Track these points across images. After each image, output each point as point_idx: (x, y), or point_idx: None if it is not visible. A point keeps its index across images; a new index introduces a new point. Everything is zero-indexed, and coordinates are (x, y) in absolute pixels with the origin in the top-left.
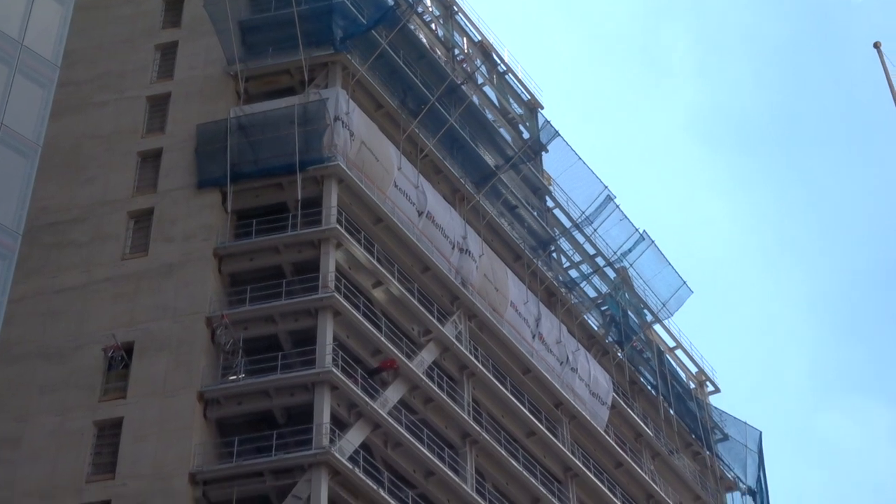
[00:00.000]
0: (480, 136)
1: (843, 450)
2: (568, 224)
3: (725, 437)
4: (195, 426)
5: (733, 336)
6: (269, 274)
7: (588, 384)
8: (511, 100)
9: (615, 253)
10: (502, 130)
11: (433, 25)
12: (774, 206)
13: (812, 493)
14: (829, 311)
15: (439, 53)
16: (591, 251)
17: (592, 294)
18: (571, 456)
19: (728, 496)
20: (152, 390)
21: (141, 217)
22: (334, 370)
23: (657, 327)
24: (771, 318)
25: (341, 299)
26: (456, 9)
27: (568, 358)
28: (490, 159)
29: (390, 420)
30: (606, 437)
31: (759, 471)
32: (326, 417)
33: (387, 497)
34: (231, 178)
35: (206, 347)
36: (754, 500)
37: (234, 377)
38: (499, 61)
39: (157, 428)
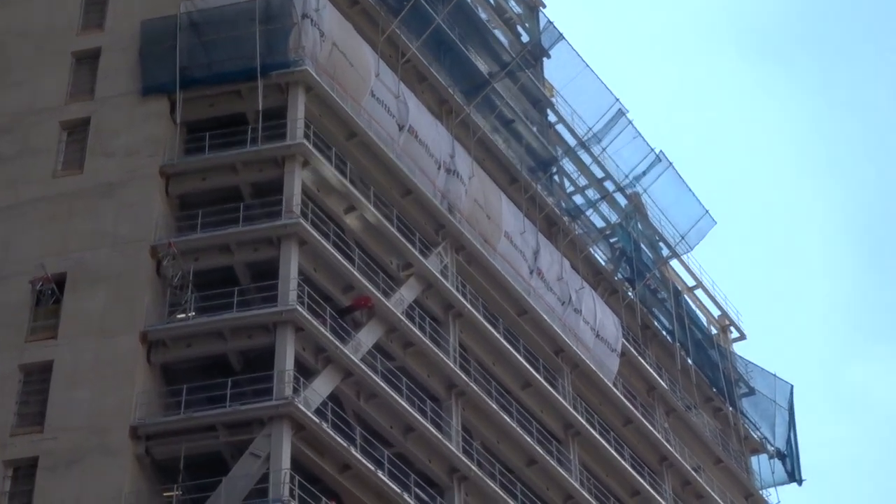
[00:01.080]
0: (472, 38)
1: (876, 402)
2: (572, 142)
3: (751, 392)
4: (137, 372)
5: (761, 275)
6: (225, 196)
7: (594, 328)
8: None
9: (627, 176)
10: (497, 32)
11: None
12: (808, 121)
13: (841, 449)
14: (867, 240)
15: None
16: (600, 174)
17: (600, 224)
18: (573, 411)
19: (753, 459)
20: (87, 330)
21: (76, 128)
22: (299, 308)
23: (674, 263)
24: (802, 252)
25: (308, 226)
26: None
27: (570, 298)
28: (483, 66)
29: (364, 367)
30: (614, 389)
31: (789, 431)
32: (290, 363)
33: (359, 456)
34: (181, 83)
35: (151, 281)
36: (783, 463)
37: (183, 316)
38: None
39: (93, 374)
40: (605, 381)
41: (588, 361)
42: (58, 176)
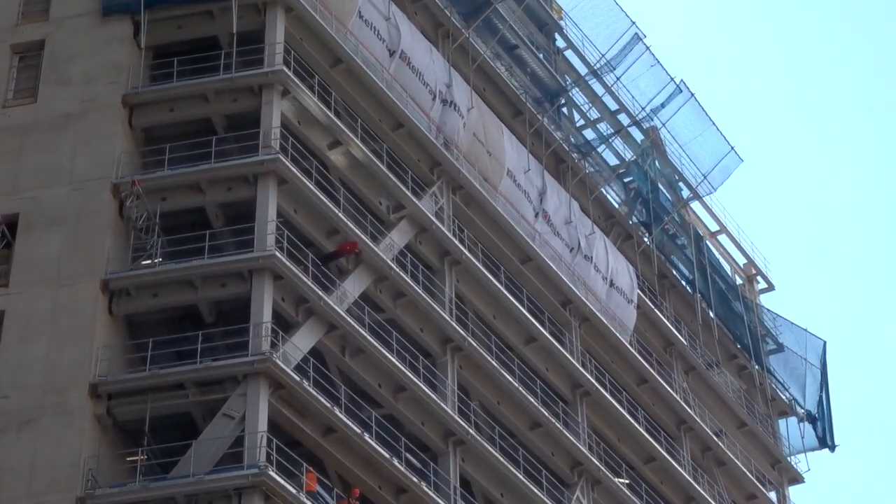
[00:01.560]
0: None
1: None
2: (583, 70)
3: (780, 348)
4: (98, 324)
5: (791, 220)
6: (195, 129)
7: (606, 277)
8: None
9: (643, 109)
10: None
11: None
12: (843, 54)
13: (877, 413)
14: None
15: None
16: (613, 106)
17: (613, 162)
18: (581, 369)
19: (781, 423)
20: (42, 277)
21: (28, 52)
22: (278, 254)
23: (695, 206)
24: (836, 197)
25: (288, 163)
26: None
27: (580, 244)
28: None
29: (349, 320)
30: (627, 346)
31: (820, 391)
32: (267, 315)
33: (343, 418)
34: (146, 2)
35: (113, 223)
36: (814, 427)
37: (149, 262)
38: None
39: (49, 326)
40: (618, 336)
41: (599, 314)
42: (8, 106)
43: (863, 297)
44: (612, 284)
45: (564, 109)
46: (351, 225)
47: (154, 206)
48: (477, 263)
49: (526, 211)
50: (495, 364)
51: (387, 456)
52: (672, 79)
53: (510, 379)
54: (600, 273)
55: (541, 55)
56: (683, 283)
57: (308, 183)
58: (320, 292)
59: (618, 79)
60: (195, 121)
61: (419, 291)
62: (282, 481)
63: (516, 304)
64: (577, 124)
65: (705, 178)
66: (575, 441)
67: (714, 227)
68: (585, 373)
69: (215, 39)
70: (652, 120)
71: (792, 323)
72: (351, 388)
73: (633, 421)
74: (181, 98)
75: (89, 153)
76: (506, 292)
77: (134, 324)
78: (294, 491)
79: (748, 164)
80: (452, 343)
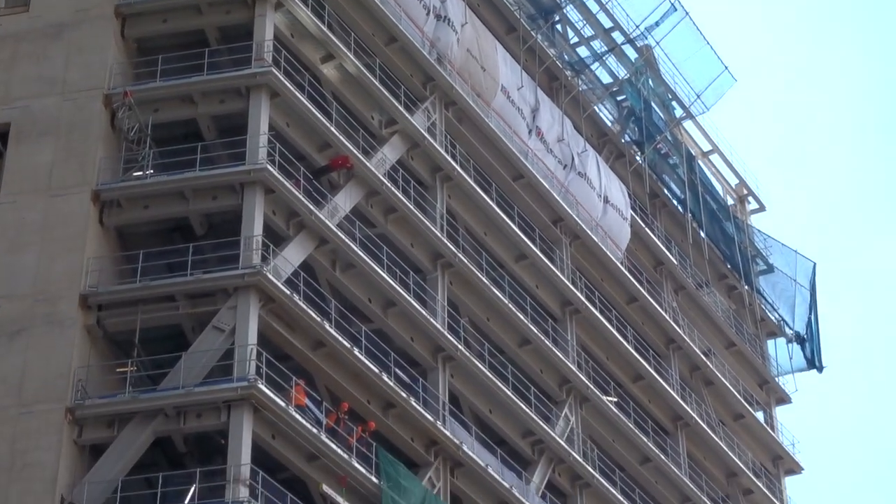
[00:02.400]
0: None
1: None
2: None
3: (770, 269)
4: (89, 235)
5: (783, 142)
6: (188, 41)
7: (601, 194)
8: None
9: (637, 27)
10: None
11: None
12: None
13: (865, 336)
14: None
15: None
16: (607, 23)
17: (606, 80)
18: (572, 287)
19: (770, 343)
20: (33, 187)
21: None
22: (270, 167)
23: (688, 125)
24: (830, 117)
25: (281, 76)
26: None
27: (573, 160)
28: None
29: (340, 234)
30: (618, 264)
31: (809, 313)
32: (258, 228)
33: (333, 332)
34: None
35: (105, 134)
36: (802, 348)
37: (140, 173)
38: None
39: (39, 236)
40: (609, 254)
41: (590, 232)
42: (0, 14)
43: (853, 218)
44: (606, 201)
45: (558, 26)
46: (343, 139)
47: (146, 118)
48: (469, 180)
49: (519, 127)
50: (485, 281)
51: (376, 371)
52: None
53: (500, 296)
54: (595, 190)
55: None
56: (675, 202)
57: (300, 96)
58: (311, 206)
59: None
60: (188, 32)
61: (410, 207)
62: (271, 394)
63: (507, 220)
64: (571, 42)
65: (698, 97)
66: (563, 358)
67: (706, 146)
68: (575, 290)
69: None
70: (646, 38)
71: (782, 244)
72: (341, 303)
73: (621, 339)
74: (174, 9)
75: (81, 63)
76: (497, 209)
77: (125, 235)
78: (283, 404)
79: (741, 84)
80: (443, 259)
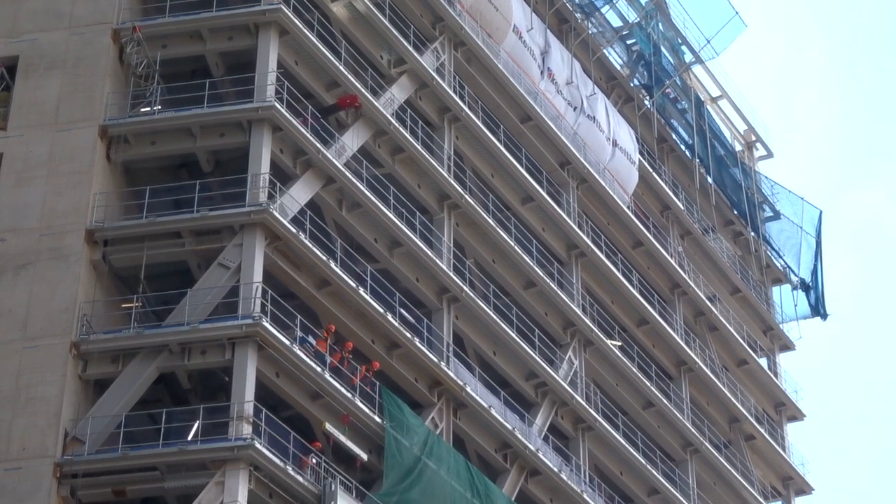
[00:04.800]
0: None
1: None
2: None
3: (776, 216)
4: (96, 170)
5: (792, 87)
6: None
7: (609, 137)
8: None
9: None
10: None
11: None
12: None
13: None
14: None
15: None
16: None
17: (616, 23)
18: (577, 230)
19: (775, 290)
20: (40, 121)
21: None
22: (277, 105)
23: (697, 70)
24: (840, 63)
25: (290, 13)
26: None
27: (582, 103)
28: None
29: (347, 173)
30: (624, 208)
31: (815, 260)
32: (265, 166)
33: (338, 271)
34: None
35: (112, 69)
36: (807, 296)
37: (148, 109)
38: None
39: (46, 170)
40: (615, 198)
41: (597, 176)
42: None
43: (859, 167)
44: (615, 144)
45: None
46: (351, 78)
47: (154, 54)
48: (476, 121)
49: (531, 68)
50: (491, 222)
51: (381, 311)
52: None
53: (506, 238)
54: (603, 133)
55: None
56: (682, 147)
57: (309, 34)
58: (319, 145)
59: None
60: None
61: (418, 147)
62: (276, 332)
63: (514, 162)
64: None
65: (708, 42)
66: (568, 302)
67: (715, 92)
68: (581, 234)
69: None
70: None
71: (789, 191)
72: (347, 243)
73: (627, 283)
74: None
75: None
76: (504, 151)
77: (131, 171)
78: (287, 342)
79: (752, 29)
80: (450, 200)
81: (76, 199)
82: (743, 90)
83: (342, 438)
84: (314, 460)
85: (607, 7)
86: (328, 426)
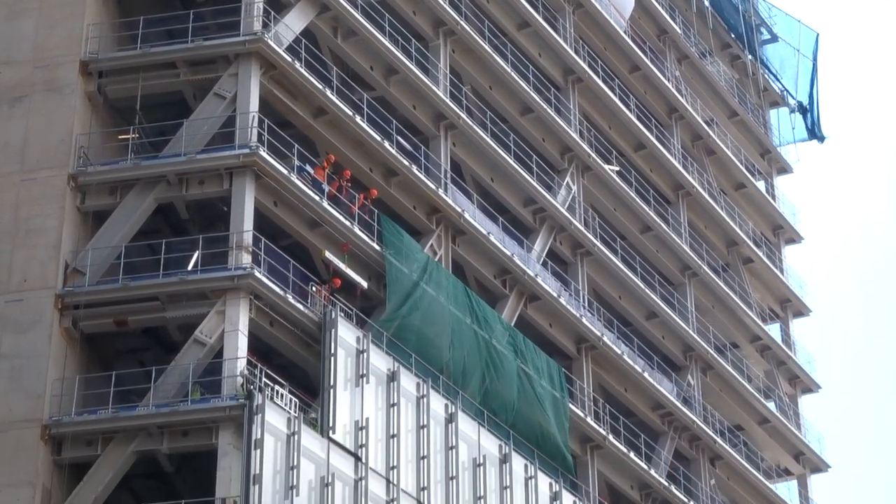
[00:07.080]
0: None
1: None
2: None
3: (774, 39)
4: (88, 1)
5: None
6: None
7: None
8: None
9: None
10: None
11: None
12: None
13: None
14: None
15: None
16: None
17: None
18: (574, 55)
19: (772, 113)
20: None
21: None
22: None
23: None
24: None
25: None
26: None
27: None
28: None
29: (342, 0)
30: (621, 32)
31: (811, 84)
32: None
33: (335, 99)
34: None
35: None
36: (804, 119)
37: None
38: None
39: (38, 2)
40: (612, 23)
41: (593, 0)
42: None
43: None
44: None
45: None
46: None
47: None
48: None
49: None
50: (487, 48)
51: (378, 138)
52: None
53: (502, 64)
54: None
55: None
56: None
57: None
58: None
59: None
60: None
61: None
62: (273, 161)
63: None
64: None
65: None
66: (566, 127)
67: None
68: (578, 59)
69: None
70: None
71: (786, 13)
72: (343, 71)
73: (624, 108)
74: None
75: None
76: None
77: (124, 1)
78: (285, 171)
79: None
80: (446, 27)
81: (69, 30)
82: None
83: (342, 266)
84: (318, 290)
85: None
86: (327, 254)
